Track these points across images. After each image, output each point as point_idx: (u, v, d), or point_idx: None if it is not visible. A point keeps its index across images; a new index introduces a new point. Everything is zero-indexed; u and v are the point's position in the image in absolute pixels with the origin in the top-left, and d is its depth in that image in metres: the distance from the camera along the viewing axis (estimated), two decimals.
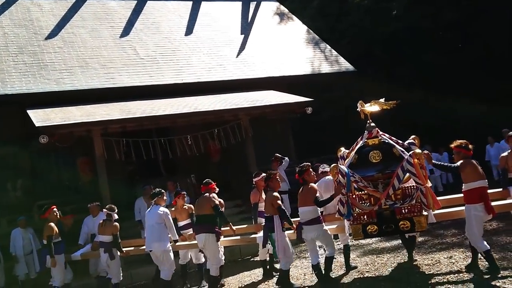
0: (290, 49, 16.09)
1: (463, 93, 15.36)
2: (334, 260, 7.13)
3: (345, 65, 16.00)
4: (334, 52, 16.59)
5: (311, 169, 6.92)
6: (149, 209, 7.98)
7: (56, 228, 8.14)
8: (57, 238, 8.14)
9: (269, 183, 7.15)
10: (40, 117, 10.14)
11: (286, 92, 13.33)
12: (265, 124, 13.03)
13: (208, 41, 15.32)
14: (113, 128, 10.39)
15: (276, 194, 6.98)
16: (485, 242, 6.15)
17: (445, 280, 6.16)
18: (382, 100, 6.90)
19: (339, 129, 16.17)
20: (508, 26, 16.27)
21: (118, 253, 8.08)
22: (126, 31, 14.63)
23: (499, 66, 15.72)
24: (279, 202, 6.91)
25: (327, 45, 17.04)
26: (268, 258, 8.07)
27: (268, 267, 8.08)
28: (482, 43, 16.70)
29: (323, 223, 6.83)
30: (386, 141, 6.72)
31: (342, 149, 7.39)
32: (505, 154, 7.29)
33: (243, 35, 16.19)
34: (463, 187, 6.32)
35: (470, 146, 6.40)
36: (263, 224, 7.35)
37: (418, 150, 6.39)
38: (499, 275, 5.90)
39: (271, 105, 11.92)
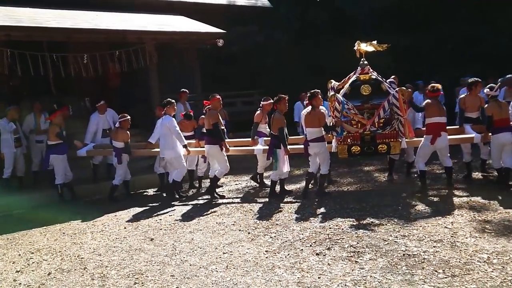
0: None
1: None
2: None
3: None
4: None
5: (319, 95, 7.74)
6: (161, 119, 8.60)
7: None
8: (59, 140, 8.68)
9: (278, 105, 7.99)
10: None
11: (197, 20, 12.48)
12: (171, 52, 12.19)
13: None
14: None
15: (281, 116, 7.85)
16: (423, 164, 7.61)
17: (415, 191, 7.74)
18: (375, 42, 7.98)
19: (246, 64, 15.78)
20: None
21: (128, 157, 8.82)
22: None
23: None
24: (283, 124, 7.79)
25: None
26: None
27: (259, 181, 9.14)
28: None
29: (325, 142, 7.78)
30: (375, 77, 7.83)
31: (332, 81, 8.36)
32: (462, 96, 8.47)
33: None
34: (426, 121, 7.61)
35: (436, 88, 7.54)
36: (258, 140, 8.67)
37: (403, 87, 7.74)
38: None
39: (181, 32, 11.09)
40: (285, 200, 7.88)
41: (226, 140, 8.42)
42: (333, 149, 7.98)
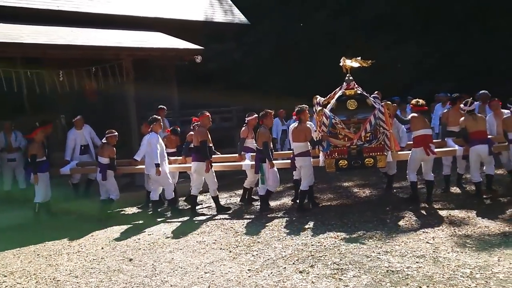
0: None
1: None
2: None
3: (239, 16, 15.40)
4: (229, 1, 15.87)
5: (307, 111, 8.03)
6: (147, 136, 8.50)
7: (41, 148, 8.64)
8: (41, 158, 8.61)
9: (264, 120, 8.22)
10: None
11: (173, 36, 12.43)
12: (149, 69, 12.08)
13: None
14: None
15: (267, 130, 8.13)
16: (414, 176, 7.80)
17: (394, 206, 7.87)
18: (359, 58, 8.16)
19: (224, 81, 15.75)
20: None
21: (112, 173, 8.70)
22: None
23: None
24: (268, 139, 8.05)
25: None
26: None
27: (247, 196, 9.08)
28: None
29: (310, 157, 7.94)
30: (360, 92, 7.97)
31: (318, 97, 8.46)
32: (445, 111, 8.87)
33: None
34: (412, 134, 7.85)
35: (420, 103, 7.85)
36: (246, 155, 8.77)
37: (388, 102, 7.98)
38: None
39: (159, 48, 11.00)
40: (265, 217, 7.81)
41: (213, 157, 8.52)
42: (320, 163, 8.09)
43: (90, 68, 10.21)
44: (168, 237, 7.09)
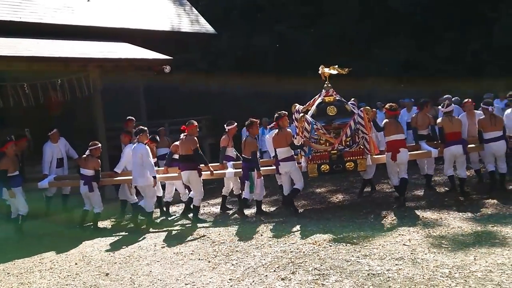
0: (148, 1, 14.91)
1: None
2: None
3: (205, 26, 15.39)
4: (195, 11, 15.85)
5: (286, 117, 8.16)
6: (133, 146, 8.45)
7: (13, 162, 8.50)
8: (13, 172, 8.47)
9: (249, 129, 8.36)
10: None
11: (140, 46, 12.30)
12: (116, 80, 11.90)
13: None
14: None
15: (254, 140, 8.28)
16: (396, 179, 8.04)
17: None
18: (336, 66, 8.41)
19: (191, 91, 15.66)
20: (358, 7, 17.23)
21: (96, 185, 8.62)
22: None
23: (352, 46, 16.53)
24: (256, 148, 8.22)
25: (188, 3, 16.22)
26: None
27: (223, 203, 9.22)
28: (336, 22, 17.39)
29: (295, 161, 8.13)
30: (339, 99, 8.25)
31: (297, 105, 8.69)
32: (414, 115, 9.12)
33: None
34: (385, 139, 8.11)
35: (394, 107, 8.12)
36: (228, 164, 8.81)
37: (367, 107, 8.18)
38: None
39: (127, 59, 10.84)
40: (241, 225, 7.80)
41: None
42: (303, 168, 8.25)
43: (56, 80, 9.99)
44: (143, 250, 6.96)
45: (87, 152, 8.71)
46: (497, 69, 14.72)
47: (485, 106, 8.19)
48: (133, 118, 10.59)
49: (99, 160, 8.72)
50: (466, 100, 8.89)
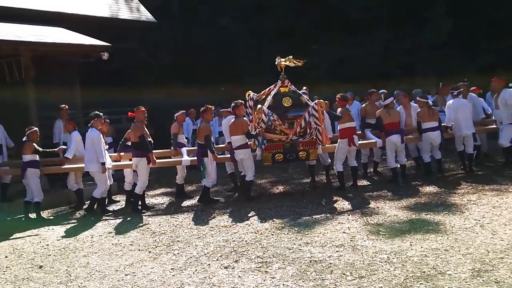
0: None
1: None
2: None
3: (145, 14, 14.96)
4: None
5: (243, 105, 8.36)
6: (87, 132, 8.27)
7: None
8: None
9: (204, 115, 8.46)
10: None
11: (78, 32, 11.78)
12: (50, 65, 11.34)
13: None
14: None
15: (208, 125, 8.39)
16: (341, 166, 8.45)
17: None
18: (290, 57, 8.55)
19: (130, 80, 15.22)
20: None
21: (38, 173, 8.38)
22: None
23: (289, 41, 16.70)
24: (209, 132, 8.31)
25: None
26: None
27: (181, 191, 9.24)
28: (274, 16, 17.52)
29: (250, 149, 8.30)
30: (294, 90, 8.50)
31: (251, 92, 8.91)
32: (363, 105, 9.75)
33: None
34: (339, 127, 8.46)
35: (345, 97, 8.54)
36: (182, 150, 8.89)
37: (321, 100, 8.40)
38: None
39: (63, 43, 10.36)
40: (182, 215, 7.70)
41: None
42: (257, 157, 8.44)
43: None
44: (80, 241, 6.71)
45: (24, 138, 8.36)
46: (427, 67, 15.48)
47: (423, 99, 8.70)
48: (66, 106, 10.25)
49: (36, 145, 8.38)
50: (403, 94, 9.65)
